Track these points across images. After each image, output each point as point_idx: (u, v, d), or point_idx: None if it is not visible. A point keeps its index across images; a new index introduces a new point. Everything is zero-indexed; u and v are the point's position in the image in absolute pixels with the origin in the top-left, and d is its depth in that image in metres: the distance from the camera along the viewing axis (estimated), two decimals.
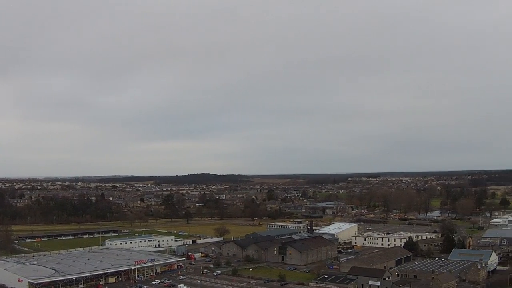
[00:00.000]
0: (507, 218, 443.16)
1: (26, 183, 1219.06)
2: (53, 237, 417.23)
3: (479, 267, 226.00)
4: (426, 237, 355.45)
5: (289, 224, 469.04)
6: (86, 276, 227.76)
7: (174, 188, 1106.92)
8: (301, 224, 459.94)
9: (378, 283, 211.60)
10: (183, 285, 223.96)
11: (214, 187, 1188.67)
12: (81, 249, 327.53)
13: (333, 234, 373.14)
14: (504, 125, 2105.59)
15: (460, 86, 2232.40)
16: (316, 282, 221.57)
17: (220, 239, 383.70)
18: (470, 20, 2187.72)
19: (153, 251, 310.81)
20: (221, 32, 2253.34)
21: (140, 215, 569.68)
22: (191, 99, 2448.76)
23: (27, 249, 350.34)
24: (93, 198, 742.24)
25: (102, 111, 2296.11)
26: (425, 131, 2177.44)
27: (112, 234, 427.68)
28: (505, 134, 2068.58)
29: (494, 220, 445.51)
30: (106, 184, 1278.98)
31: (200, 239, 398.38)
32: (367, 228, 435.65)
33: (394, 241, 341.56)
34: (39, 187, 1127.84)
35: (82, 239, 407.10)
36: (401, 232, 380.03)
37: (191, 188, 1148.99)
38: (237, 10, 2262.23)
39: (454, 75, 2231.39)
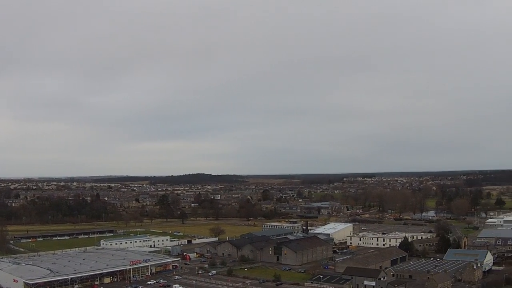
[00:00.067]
0: (502, 218, 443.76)
1: (21, 183, 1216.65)
2: (49, 237, 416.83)
3: (475, 267, 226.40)
4: (422, 237, 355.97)
5: (284, 224, 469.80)
6: (81, 276, 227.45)
7: (169, 188, 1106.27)
8: (296, 224, 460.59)
9: (373, 283, 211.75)
10: (178, 285, 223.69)
11: (209, 187, 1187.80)
12: (76, 249, 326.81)
13: (328, 234, 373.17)
14: (500, 125, 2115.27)
15: (456, 86, 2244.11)
16: (312, 282, 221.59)
17: (215, 239, 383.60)
18: (462, 21, 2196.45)
19: (148, 251, 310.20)
20: (211, 33, 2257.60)
21: (135, 215, 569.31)
22: (185, 99, 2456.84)
23: (22, 249, 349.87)
24: (88, 198, 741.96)
25: (96, 111, 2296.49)
26: (420, 131, 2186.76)
27: (107, 234, 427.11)
28: (500, 134, 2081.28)
29: (490, 220, 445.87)
30: (101, 184, 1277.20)
31: (195, 239, 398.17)
32: (362, 228, 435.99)
33: (390, 241, 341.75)
34: (34, 187, 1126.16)
35: (77, 239, 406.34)
36: (396, 232, 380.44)
37: (186, 188, 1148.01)
38: (227, 11, 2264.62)
39: (449, 75, 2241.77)
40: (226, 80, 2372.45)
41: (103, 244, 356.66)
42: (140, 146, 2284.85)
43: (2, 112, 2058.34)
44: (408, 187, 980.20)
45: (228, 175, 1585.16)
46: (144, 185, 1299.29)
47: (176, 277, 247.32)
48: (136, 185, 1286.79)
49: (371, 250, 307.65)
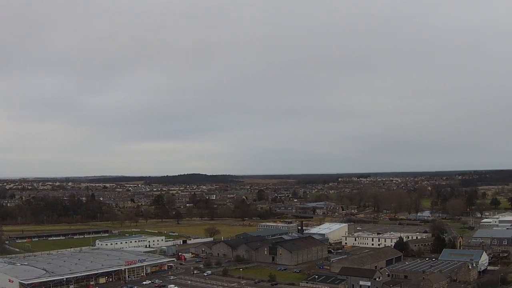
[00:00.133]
0: (497, 218, 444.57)
1: (16, 183, 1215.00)
2: (44, 238, 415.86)
3: (470, 267, 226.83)
4: (417, 237, 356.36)
5: (279, 224, 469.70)
6: (76, 277, 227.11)
7: (164, 188, 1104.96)
8: (291, 224, 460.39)
9: (369, 283, 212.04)
10: (173, 285, 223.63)
11: (204, 187, 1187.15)
12: (72, 249, 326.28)
13: (323, 234, 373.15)
14: (495, 125, 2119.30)
15: (451, 86, 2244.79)
16: (307, 282, 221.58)
17: (211, 239, 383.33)
18: (462, 21, 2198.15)
19: (143, 252, 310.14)
20: (211, 33, 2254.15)
21: (130, 215, 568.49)
22: (181, 100, 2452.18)
23: (17, 250, 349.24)
24: (84, 198, 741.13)
25: (92, 111, 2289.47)
26: (415, 131, 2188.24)
27: (103, 235, 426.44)
28: (495, 134, 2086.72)
29: (485, 220, 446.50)
30: (97, 184, 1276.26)
31: (190, 240, 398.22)
32: (358, 228, 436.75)
33: (385, 241, 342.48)
34: (29, 187, 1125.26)
35: (72, 240, 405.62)
36: (392, 232, 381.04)
37: (181, 188, 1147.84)
38: (227, 11, 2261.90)
39: (445, 76, 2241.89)
40: (224, 80, 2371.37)
41: (98, 244, 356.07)
42: (135, 146, 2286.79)
43: None
44: (403, 187, 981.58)
45: (223, 175, 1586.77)
46: (139, 185, 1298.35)
47: (171, 277, 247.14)
48: (131, 185, 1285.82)
49: (366, 250, 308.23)
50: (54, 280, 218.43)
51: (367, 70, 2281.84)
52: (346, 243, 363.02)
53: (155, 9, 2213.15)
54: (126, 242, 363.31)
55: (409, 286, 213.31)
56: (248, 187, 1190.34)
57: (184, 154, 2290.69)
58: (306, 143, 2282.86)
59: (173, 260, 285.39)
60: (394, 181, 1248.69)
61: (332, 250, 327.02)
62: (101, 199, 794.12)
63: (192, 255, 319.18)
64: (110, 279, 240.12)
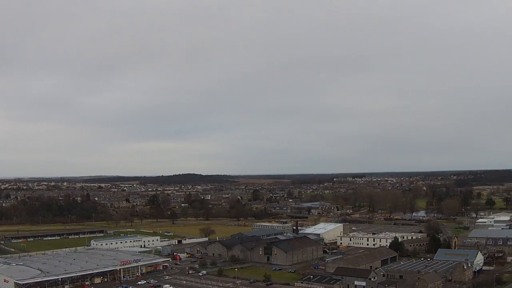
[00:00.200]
0: (492, 218, 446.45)
1: (11, 183, 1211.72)
2: (39, 238, 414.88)
3: (465, 267, 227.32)
4: (412, 237, 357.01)
5: (274, 224, 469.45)
6: (72, 277, 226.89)
7: (159, 188, 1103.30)
8: (286, 224, 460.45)
9: (364, 283, 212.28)
10: (168, 285, 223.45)
11: (199, 187, 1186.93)
12: (67, 249, 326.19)
13: (318, 234, 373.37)
14: (490, 125, 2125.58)
15: (451, 86, 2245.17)
16: (302, 282, 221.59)
17: (206, 239, 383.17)
18: (462, 21, 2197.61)
19: (138, 252, 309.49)
20: (209, 33, 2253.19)
21: (125, 215, 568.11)
22: (176, 100, 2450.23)
23: (13, 250, 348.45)
24: (79, 198, 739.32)
25: (87, 111, 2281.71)
26: (410, 131, 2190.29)
27: (98, 235, 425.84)
28: (490, 135, 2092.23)
29: (480, 220, 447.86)
30: (92, 185, 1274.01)
31: (185, 240, 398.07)
32: (353, 228, 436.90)
33: (380, 241, 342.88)
34: (24, 187, 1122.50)
35: (67, 240, 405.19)
36: (387, 232, 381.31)
37: (177, 188, 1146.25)
38: (227, 11, 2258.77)
39: (440, 76, 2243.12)
40: (223, 81, 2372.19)
41: (93, 244, 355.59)
42: (131, 147, 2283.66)
43: None
44: (398, 187, 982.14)
45: (218, 175, 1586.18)
46: (134, 185, 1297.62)
47: (167, 277, 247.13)
48: (126, 185, 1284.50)
49: (362, 250, 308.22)
50: (49, 280, 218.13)
51: (367, 70, 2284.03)
52: (341, 243, 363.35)
53: (154, 9, 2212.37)
54: (121, 242, 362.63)
55: (404, 286, 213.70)
56: (243, 187, 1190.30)
57: (179, 154, 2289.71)
58: (304, 143, 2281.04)
59: (168, 260, 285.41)
60: (389, 181, 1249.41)
61: (327, 250, 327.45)
62: (96, 199, 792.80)
63: (187, 255, 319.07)
64: (105, 279, 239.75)
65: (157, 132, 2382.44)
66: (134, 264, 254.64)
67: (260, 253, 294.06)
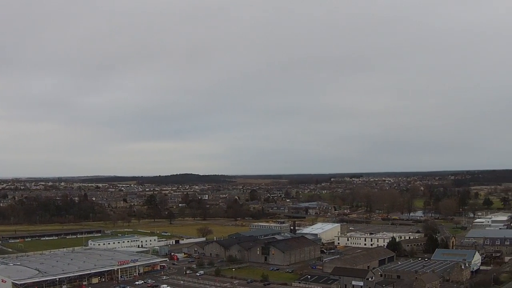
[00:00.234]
0: (490, 218, 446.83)
1: (9, 183, 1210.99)
2: (37, 238, 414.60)
3: (463, 267, 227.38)
4: (409, 237, 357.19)
5: (272, 224, 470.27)
6: (69, 277, 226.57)
7: (156, 189, 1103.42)
8: (284, 224, 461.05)
9: (361, 283, 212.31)
10: (166, 285, 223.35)
11: (196, 187, 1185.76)
12: (64, 249, 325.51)
13: (316, 234, 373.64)
14: (490, 125, 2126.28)
15: (451, 86, 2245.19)
16: (299, 282, 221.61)
17: (203, 239, 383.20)
18: (462, 21, 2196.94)
19: (136, 252, 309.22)
20: (209, 33, 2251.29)
21: (123, 215, 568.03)
22: (176, 100, 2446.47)
23: (10, 250, 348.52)
24: (76, 198, 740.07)
25: (87, 111, 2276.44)
26: (408, 131, 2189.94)
27: (95, 235, 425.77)
28: (490, 135, 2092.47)
29: (477, 220, 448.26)
30: (89, 185, 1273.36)
31: (183, 240, 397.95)
32: (350, 228, 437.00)
33: (377, 241, 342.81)
34: (22, 187, 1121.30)
35: (65, 240, 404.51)
36: (384, 232, 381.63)
37: (174, 188, 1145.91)
38: (227, 11, 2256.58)
39: (440, 76, 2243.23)
40: (223, 81, 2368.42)
41: (91, 244, 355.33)
42: (128, 147, 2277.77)
43: None
44: (396, 187, 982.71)
45: (215, 175, 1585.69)
46: (132, 185, 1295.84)
47: (164, 277, 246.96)
48: (123, 185, 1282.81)
49: (359, 250, 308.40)
50: (47, 280, 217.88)
51: (367, 70, 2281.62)
52: (338, 243, 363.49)
53: (154, 9, 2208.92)
54: (118, 242, 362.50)
55: (402, 286, 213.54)
56: (241, 187, 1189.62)
57: (176, 154, 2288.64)
58: (303, 143, 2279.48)
59: (166, 260, 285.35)
60: (386, 181, 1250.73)
61: (325, 250, 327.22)
62: (94, 199, 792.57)
63: (185, 255, 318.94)
64: (103, 279, 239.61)
65: (157, 132, 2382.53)
66: (132, 264, 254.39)
67: (258, 253, 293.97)
